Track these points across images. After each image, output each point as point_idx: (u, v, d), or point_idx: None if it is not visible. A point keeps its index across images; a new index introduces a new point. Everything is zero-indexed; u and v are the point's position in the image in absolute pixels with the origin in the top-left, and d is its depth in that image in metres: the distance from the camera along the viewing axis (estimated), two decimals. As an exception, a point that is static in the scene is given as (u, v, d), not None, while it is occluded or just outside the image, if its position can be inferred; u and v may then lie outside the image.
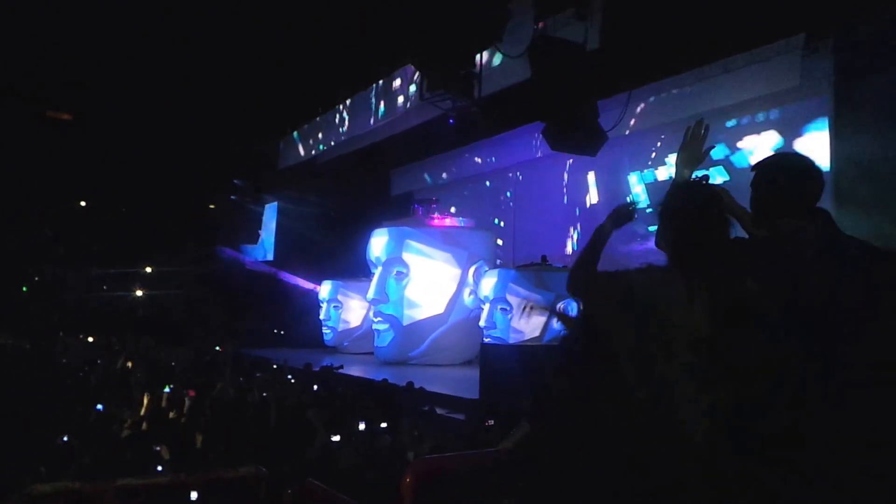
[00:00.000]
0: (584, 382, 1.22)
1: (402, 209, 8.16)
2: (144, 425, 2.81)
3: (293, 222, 10.71)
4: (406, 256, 6.71)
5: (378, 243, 6.90)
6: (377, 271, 6.81)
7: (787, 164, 1.33)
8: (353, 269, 8.04)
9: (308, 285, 9.89)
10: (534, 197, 7.80)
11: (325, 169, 9.28)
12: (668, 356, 1.11)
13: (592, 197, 7.11)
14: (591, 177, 7.06)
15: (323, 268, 9.08)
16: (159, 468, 2.27)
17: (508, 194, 8.21)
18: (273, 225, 11.15)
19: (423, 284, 6.75)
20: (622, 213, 1.37)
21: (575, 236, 7.34)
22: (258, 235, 11.19)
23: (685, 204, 1.24)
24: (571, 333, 1.42)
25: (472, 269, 6.83)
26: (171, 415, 3.07)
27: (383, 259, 6.75)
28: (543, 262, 6.21)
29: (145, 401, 3.17)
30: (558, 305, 5.84)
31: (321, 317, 8.32)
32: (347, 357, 7.57)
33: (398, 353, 6.68)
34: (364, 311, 7.92)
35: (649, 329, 1.14)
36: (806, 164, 1.31)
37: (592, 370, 1.20)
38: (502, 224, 8.10)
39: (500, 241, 7.73)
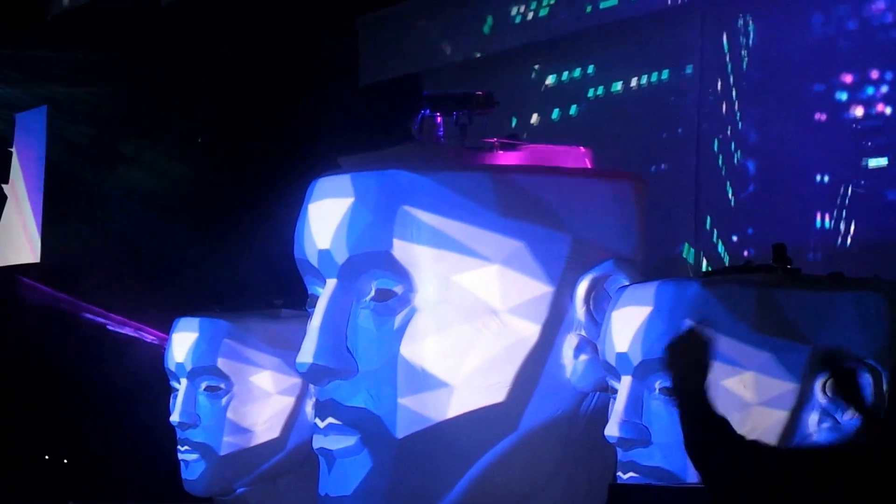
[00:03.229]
0: None
1: (385, 122, 8.46)
2: None
3: (90, 164, 11.12)
4: (405, 252, 6.66)
5: (326, 215, 6.89)
6: (326, 289, 6.78)
7: None
8: (259, 284, 8.65)
9: (133, 330, 10.43)
10: (756, 96, 8.50)
11: (181, 17, 9.72)
12: None
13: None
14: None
15: (177, 281, 9.61)
16: None
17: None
18: (38, 171, 11.59)
19: (450, 330, 6.75)
20: None
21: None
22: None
23: None
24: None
25: (583, 284, 6.79)
26: None
27: (342, 260, 6.75)
28: (780, 260, 6.16)
29: None
30: (822, 380, 5.64)
31: (174, 418, 8.44)
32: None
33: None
34: (292, 402, 8.27)
35: None
36: None
37: None
38: (661, 167, 8.57)
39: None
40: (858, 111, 8.35)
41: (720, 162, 8.92)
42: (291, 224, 7.12)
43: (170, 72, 10.74)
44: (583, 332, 6.65)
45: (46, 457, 10.91)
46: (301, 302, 7.24)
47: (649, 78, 9.52)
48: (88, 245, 10.98)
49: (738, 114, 8.97)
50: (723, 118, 9.02)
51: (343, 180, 6.83)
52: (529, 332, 6.67)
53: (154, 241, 10.45)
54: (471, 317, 6.65)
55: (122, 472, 10.07)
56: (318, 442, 6.81)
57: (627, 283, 6.40)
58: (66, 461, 10.91)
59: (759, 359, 5.60)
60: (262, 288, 8.75)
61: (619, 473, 5.88)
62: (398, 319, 6.62)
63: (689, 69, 9.20)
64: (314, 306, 6.80)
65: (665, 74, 9.47)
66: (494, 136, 7.41)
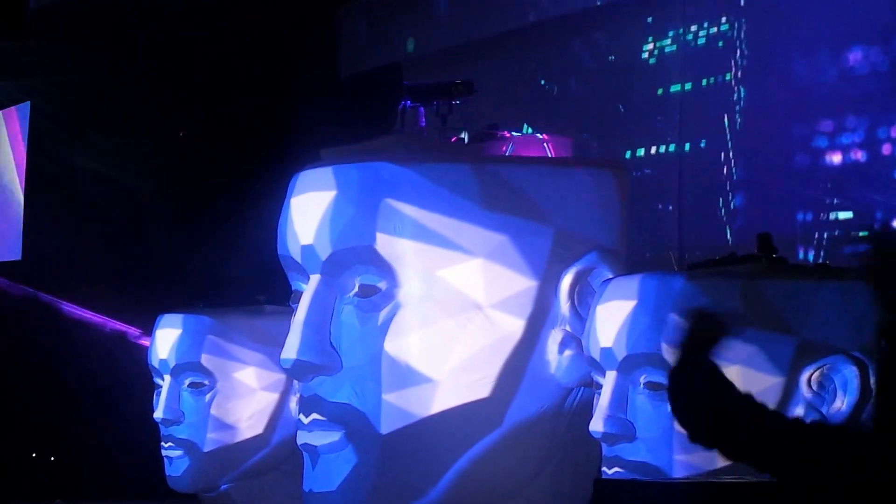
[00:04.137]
0: None
1: (367, 113, 8.54)
2: None
3: (72, 160, 11.26)
4: (388, 246, 6.67)
5: (309, 209, 6.90)
6: (310, 285, 6.79)
7: None
8: (243, 280, 8.65)
9: (116, 327, 10.63)
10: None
11: (162, 13, 9.88)
12: None
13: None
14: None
15: (160, 278, 9.72)
16: None
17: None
18: (20, 168, 11.57)
19: (435, 325, 6.78)
20: None
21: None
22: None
23: None
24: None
25: (567, 278, 6.82)
26: None
27: (325, 256, 6.76)
28: (765, 250, 6.18)
29: None
30: (808, 373, 5.66)
31: (157, 415, 8.50)
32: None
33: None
34: (275, 398, 8.30)
35: None
36: None
37: None
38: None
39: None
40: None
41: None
42: (274, 218, 7.11)
43: (151, 67, 10.73)
44: (567, 328, 6.65)
45: (33, 454, 10.91)
46: (285, 298, 7.24)
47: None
48: (71, 242, 11.00)
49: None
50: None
51: (325, 173, 6.82)
52: (514, 327, 6.68)
53: (136, 237, 10.45)
54: (455, 312, 6.66)
55: (108, 469, 10.07)
56: (303, 438, 6.81)
57: (611, 276, 6.40)
58: (52, 459, 10.91)
59: (744, 352, 5.56)
60: (246, 284, 8.75)
61: (604, 468, 5.89)
62: (382, 315, 6.61)
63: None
64: (298, 302, 6.80)
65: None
66: (476, 127, 7.46)
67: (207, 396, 8.18)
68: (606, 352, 5.88)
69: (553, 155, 7.40)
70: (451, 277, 6.64)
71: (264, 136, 9.16)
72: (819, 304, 5.61)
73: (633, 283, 5.99)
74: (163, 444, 8.39)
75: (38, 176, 11.61)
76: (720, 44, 9.62)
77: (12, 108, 11.81)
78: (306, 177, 6.91)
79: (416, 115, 7.60)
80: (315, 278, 6.68)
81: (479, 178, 6.73)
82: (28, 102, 11.61)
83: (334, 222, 6.66)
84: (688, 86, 9.84)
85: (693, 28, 9.71)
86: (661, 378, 5.67)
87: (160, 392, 8.31)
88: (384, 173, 6.69)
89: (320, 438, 6.68)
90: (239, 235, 8.58)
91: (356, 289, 6.62)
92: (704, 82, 9.67)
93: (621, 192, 7.15)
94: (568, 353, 6.60)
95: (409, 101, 7.54)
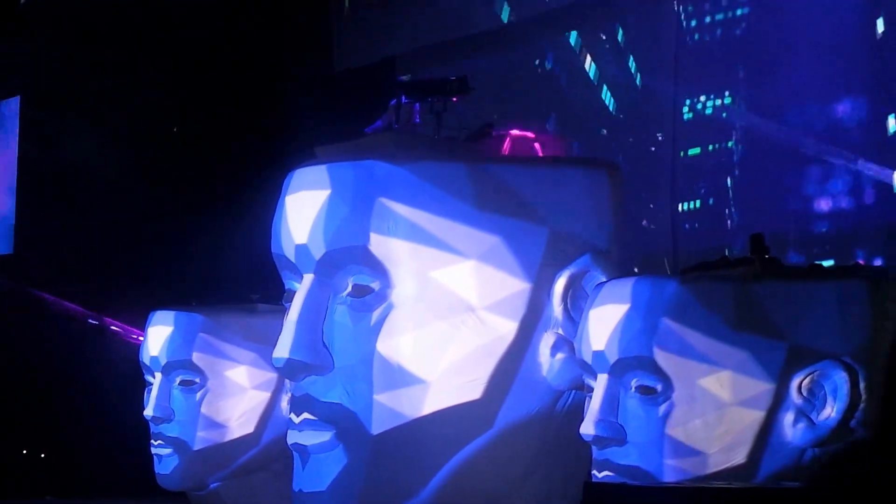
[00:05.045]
0: None
1: (362, 108, 8.51)
2: None
3: (63, 155, 11.21)
4: (382, 246, 6.64)
5: (303, 208, 6.87)
6: (303, 284, 6.78)
7: None
8: (236, 278, 8.70)
9: (108, 324, 10.67)
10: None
11: (153, 6, 9.99)
12: None
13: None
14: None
15: (153, 275, 9.72)
16: None
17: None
18: (11, 162, 11.82)
19: (427, 326, 6.76)
20: None
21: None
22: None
23: None
24: None
25: (561, 281, 6.80)
26: None
27: (319, 255, 6.75)
28: (758, 251, 6.14)
29: None
30: (798, 379, 5.64)
31: (147, 412, 8.51)
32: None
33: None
34: (267, 397, 8.31)
35: None
36: None
37: None
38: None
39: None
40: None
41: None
42: (268, 216, 7.08)
43: (143, 62, 10.68)
44: (560, 331, 6.62)
45: (24, 452, 10.88)
46: (278, 297, 7.22)
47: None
48: (63, 237, 10.96)
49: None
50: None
51: (320, 171, 6.78)
52: (506, 329, 6.65)
53: (129, 232, 10.42)
54: (448, 313, 6.63)
55: (99, 467, 10.04)
56: (293, 437, 6.79)
57: (604, 280, 6.35)
58: (42, 456, 10.87)
59: (736, 357, 5.58)
60: (239, 282, 8.72)
61: (594, 472, 5.86)
62: (375, 315, 6.60)
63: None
64: (291, 301, 6.78)
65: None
66: (469, 124, 7.44)
67: (198, 395, 8.18)
68: (598, 355, 5.86)
69: (552, 147, 7.39)
70: (445, 279, 6.62)
71: (258, 131, 9.16)
72: (813, 306, 5.60)
73: (625, 286, 5.95)
74: (152, 441, 8.39)
75: (30, 170, 11.56)
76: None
77: (4, 101, 11.66)
78: (301, 175, 6.88)
79: (411, 111, 7.56)
80: (308, 278, 6.66)
81: (473, 177, 6.69)
82: (18, 97, 11.55)
83: (328, 222, 6.63)
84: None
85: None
86: (653, 382, 5.67)
87: (150, 390, 8.31)
88: (378, 171, 6.65)
89: (311, 438, 6.66)
90: (232, 233, 8.57)
91: (349, 289, 6.60)
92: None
93: (614, 192, 7.11)
94: (560, 356, 6.58)
95: (403, 98, 7.51)
